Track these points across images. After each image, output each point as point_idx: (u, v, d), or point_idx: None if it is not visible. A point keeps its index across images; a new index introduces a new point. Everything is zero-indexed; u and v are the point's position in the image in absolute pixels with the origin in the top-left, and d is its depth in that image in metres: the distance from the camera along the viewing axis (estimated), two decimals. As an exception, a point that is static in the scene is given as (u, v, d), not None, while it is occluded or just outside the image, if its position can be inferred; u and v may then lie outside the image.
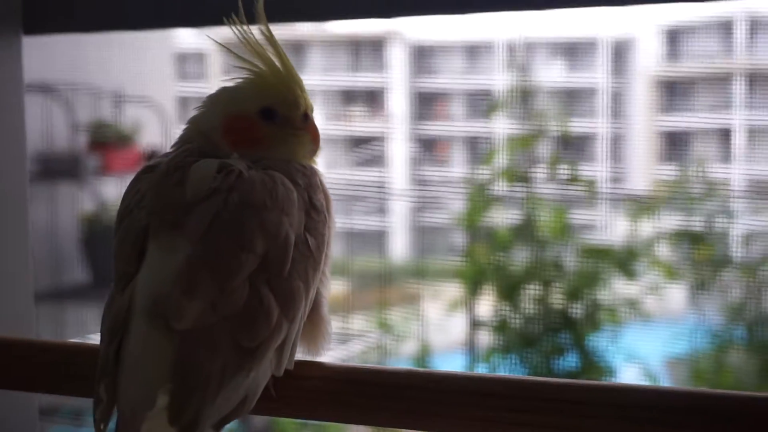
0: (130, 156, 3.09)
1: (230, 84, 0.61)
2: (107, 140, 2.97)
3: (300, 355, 0.55)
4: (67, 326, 2.92)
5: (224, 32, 0.60)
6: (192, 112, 0.63)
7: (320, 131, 0.61)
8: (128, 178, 2.39)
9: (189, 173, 0.54)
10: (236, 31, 0.58)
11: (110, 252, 0.56)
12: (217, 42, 0.61)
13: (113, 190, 3.25)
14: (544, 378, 0.52)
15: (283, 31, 0.65)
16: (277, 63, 0.58)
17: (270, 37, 0.58)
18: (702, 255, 2.76)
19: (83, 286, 2.93)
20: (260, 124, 0.58)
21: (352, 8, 0.64)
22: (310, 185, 0.56)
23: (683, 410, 0.48)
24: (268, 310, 0.50)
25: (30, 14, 0.63)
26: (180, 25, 0.70)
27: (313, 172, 0.58)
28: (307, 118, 0.60)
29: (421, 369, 0.54)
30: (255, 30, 0.58)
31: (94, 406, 0.53)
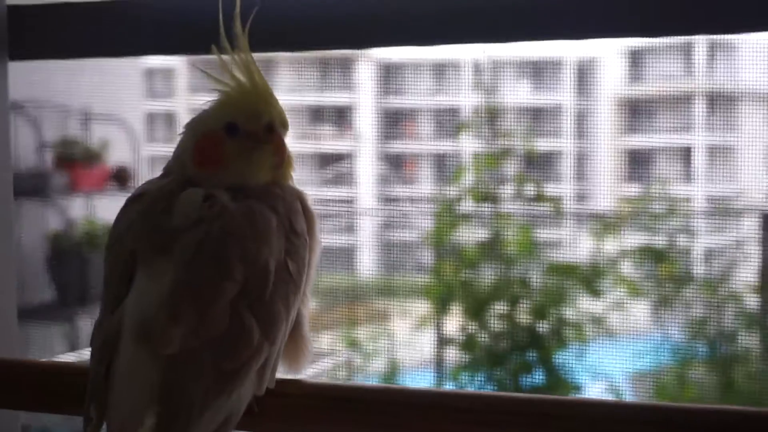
0: (97, 174, 3.07)
1: (202, 108, 0.63)
2: (74, 158, 2.95)
3: (282, 374, 0.56)
4: (33, 346, 2.88)
5: (200, 56, 0.61)
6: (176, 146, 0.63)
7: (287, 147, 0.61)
8: (96, 197, 2.38)
9: (176, 202, 0.56)
10: (214, 52, 0.59)
11: (101, 275, 0.58)
12: (196, 66, 0.63)
13: (80, 208, 3.22)
14: (511, 393, 0.54)
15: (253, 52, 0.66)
16: (244, 78, 0.59)
17: (241, 53, 0.59)
18: (665, 272, 2.81)
19: (49, 306, 2.89)
20: (224, 140, 0.59)
21: (325, 39, 0.67)
22: (290, 210, 0.58)
23: (646, 423, 0.50)
24: (249, 334, 0.53)
25: (15, 41, 0.65)
26: (155, 52, 0.72)
27: (294, 197, 0.59)
28: (271, 131, 0.59)
29: (393, 385, 0.57)
30: (226, 48, 0.58)
31: (85, 424, 0.54)
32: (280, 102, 0.60)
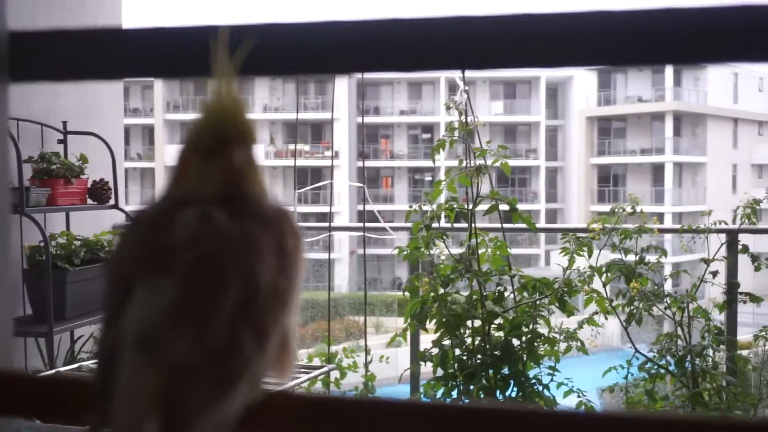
0: (76, 188, 3.07)
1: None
2: (53, 173, 2.94)
3: (268, 382, 0.61)
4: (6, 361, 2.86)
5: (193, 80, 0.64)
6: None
7: (258, 162, 0.61)
8: (74, 211, 2.38)
9: (173, 222, 0.59)
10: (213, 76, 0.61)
11: (101, 291, 0.61)
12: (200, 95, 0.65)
13: (59, 223, 3.22)
14: (494, 405, 0.59)
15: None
16: (212, 97, 0.61)
17: (217, 74, 0.61)
18: (635, 289, 2.86)
19: (25, 320, 2.88)
20: (190, 158, 0.61)
21: (303, 67, 0.70)
22: (280, 231, 0.61)
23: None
24: (243, 345, 0.57)
25: (17, 62, 0.68)
26: (151, 75, 0.75)
27: (284, 219, 0.62)
28: (224, 145, 0.60)
29: (375, 397, 0.61)
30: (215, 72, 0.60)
31: (90, 427, 0.58)
32: (256, 119, 0.62)
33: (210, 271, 0.57)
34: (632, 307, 2.88)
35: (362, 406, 0.59)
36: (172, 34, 0.69)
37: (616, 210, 3.01)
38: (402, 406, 0.58)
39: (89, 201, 3.17)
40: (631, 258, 2.95)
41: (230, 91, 0.62)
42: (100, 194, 3.18)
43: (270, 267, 0.59)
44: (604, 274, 2.90)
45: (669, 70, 25.99)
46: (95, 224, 3.35)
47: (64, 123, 3.27)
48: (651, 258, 2.97)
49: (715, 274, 2.97)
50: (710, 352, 2.85)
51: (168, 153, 25.64)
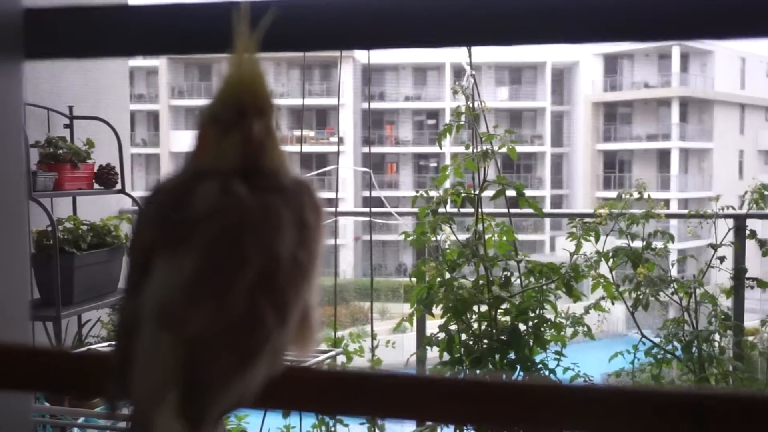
0: (82, 173, 3.07)
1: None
2: (60, 157, 2.94)
3: (289, 357, 0.61)
4: (17, 344, 2.88)
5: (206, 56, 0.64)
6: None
7: (278, 134, 0.61)
8: (81, 196, 2.39)
9: (194, 194, 0.59)
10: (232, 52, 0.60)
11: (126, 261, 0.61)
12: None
13: (65, 207, 3.22)
14: (494, 380, 0.59)
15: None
16: (231, 69, 0.61)
17: (236, 47, 0.60)
18: (642, 274, 2.86)
19: (33, 304, 2.89)
20: (210, 131, 0.61)
21: (310, 40, 0.69)
22: (301, 203, 0.61)
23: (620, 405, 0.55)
24: (264, 319, 0.56)
25: (32, 40, 0.68)
26: (158, 52, 0.74)
27: (304, 191, 0.62)
28: (243, 117, 0.60)
29: (390, 371, 0.61)
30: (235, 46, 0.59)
31: (109, 402, 0.58)
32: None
33: (230, 244, 0.57)
34: (639, 293, 2.87)
35: (378, 380, 0.59)
36: (178, 11, 0.69)
37: (623, 195, 3.01)
38: (417, 379, 0.58)
39: (96, 186, 3.17)
40: (637, 243, 2.94)
41: (250, 63, 0.61)
42: (107, 179, 3.18)
43: (290, 240, 0.59)
44: (611, 260, 2.90)
45: (675, 56, 25.86)
46: (102, 209, 3.36)
47: (70, 108, 3.27)
48: (658, 244, 2.96)
49: (722, 259, 2.96)
50: (717, 337, 2.85)
51: (173, 139, 25.65)
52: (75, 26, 0.69)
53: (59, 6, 0.70)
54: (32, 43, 0.67)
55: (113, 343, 0.59)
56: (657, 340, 2.93)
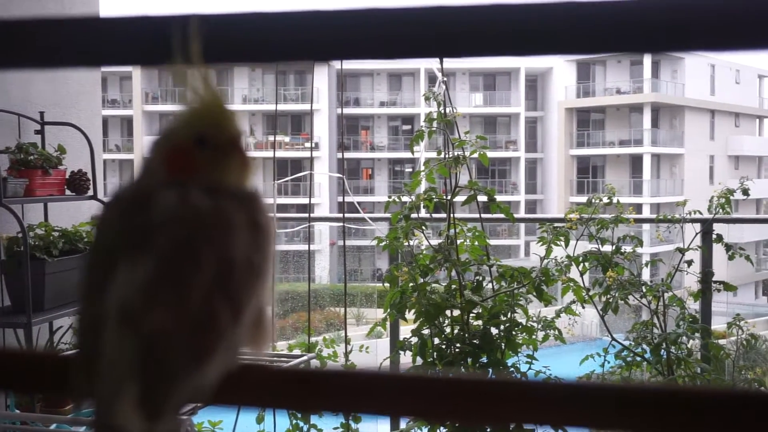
0: (54, 179, 3.04)
1: (169, 124, 0.68)
2: (31, 163, 2.92)
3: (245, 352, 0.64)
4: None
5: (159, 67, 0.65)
6: (145, 156, 0.69)
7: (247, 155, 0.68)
8: (52, 202, 2.37)
9: (154, 201, 0.62)
10: (172, 69, 0.63)
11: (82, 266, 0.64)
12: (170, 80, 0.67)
13: (36, 214, 3.20)
14: (461, 376, 0.61)
15: (209, 64, 0.71)
16: (203, 91, 0.65)
17: (199, 68, 0.64)
18: (611, 278, 2.90)
19: (3, 311, 2.86)
20: (195, 152, 0.65)
21: (281, 54, 0.71)
22: (254, 208, 0.65)
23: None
24: (219, 317, 0.60)
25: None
26: (113, 63, 0.76)
27: (255, 196, 0.66)
28: (236, 142, 0.66)
29: (347, 369, 0.63)
30: (187, 65, 0.62)
31: (74, 399, 0.60)
32: (238, 110, 0.66)
33: (187, 247, 0.60)
34: (609, 296, 2.91)
35: (335, 378, 0.61)
36: (150, 23, 0.70)
37: (593, 200, 3.05)
38: (374, 376, 0.60)
39: (67, 192, 3.15)
40: (607, 248, 2.98)
41: (216, 86, 0.65)
42: (79, 185, 3.16)
43: (244, 242, 0.62)
44: (581, 264, 2.94)
45: (647, 62, 26.18)
46: (73, 215, 3.33)
47: (41, 113, 3.24)
48: (627, 248, 3.01)
49: (690, 263, 3.01)
50: (685, 340, 2.90)
51: (146, 144, 25.42)
52: (38, 37, 0.70)
53: (22, 18, 0.71)
54: None
55: (76, 341, 0.62)
56: (627, 343, 2.97)
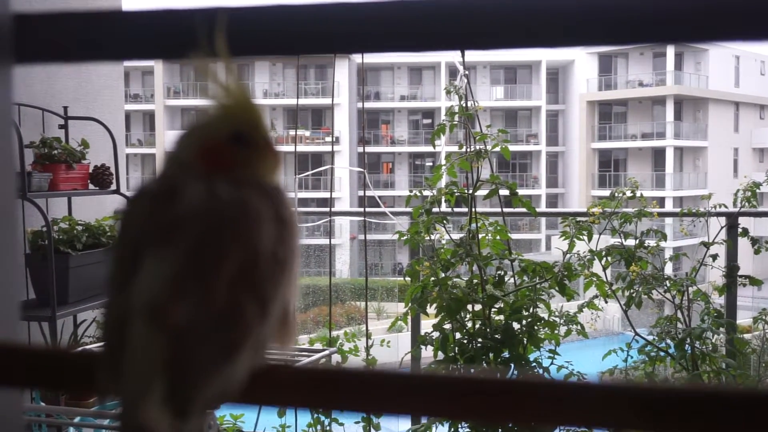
0: (77, 174, 3.07)
1: (198, 120, 0.68)
2: (55, 158, 2.94)
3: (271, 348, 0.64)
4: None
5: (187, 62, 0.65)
6: (169, 151, 0.68)
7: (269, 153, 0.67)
8: (75, 196, 2.39)
9: (179, 195, 0.62)
10: (197, 63, 0.63)
11: (108, 260, 0.64)
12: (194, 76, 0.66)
13: (60, 208, 3.23)
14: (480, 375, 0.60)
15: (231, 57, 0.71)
16: (236, 90, 0.65)
17: (227, 66, 0.64)
18: (635, 272, 2.87)
19: (28, 305, 2.89)
20: (231, 148, 0.65)
21: (302, 46, 0.70)
22: (279, 201, 0.64)
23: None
24: (246, 312, 0.59)
25: (22, 45, 0.69)
26: (135, 57, 0.76)
27: (281, 190, 0.66)
28: (267, 139, 0.66)
29: (375, 369, 0.62)
30: (213, 59, 0.62)
31: (99, 391, 0.60)
32: (260, 102, 0.67)
33: (213, 240, 0.60)
34: (632, 291, 2.89)
35: (363, 377, 0.61)
36: (172, 16, 0.70)
37: (616, 194, 3.02)
38: (401, 377, 0.59)
39: (91, 186, 3.18)
40: (630, 242, 2.95)
41: (240, 82, 0.65)
42: (102, 179, 3.18)
43: (270, 235, 0.62)
44: (604, 258, 2.91)
45: (670, 54, 25.90)
46: (97, 209, 3.36)
47: (65, 108, 3.27)
48: (651, 242, 2.98)
49: (715, 257, 2.98)
50: (710, 335, 2.87)
51: (169, 138, 25.61)
52: (64, 31, 0.70)
53: (48, 11, 0.71)
54: (22, 48, 0.69)
55: (102, 337, 0.61)
56: (650, 338, 2.94)
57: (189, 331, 0.57)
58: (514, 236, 2.87)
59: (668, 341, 2.88)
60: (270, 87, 26.30)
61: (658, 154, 26.18)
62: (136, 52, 0.72)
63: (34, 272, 2.84)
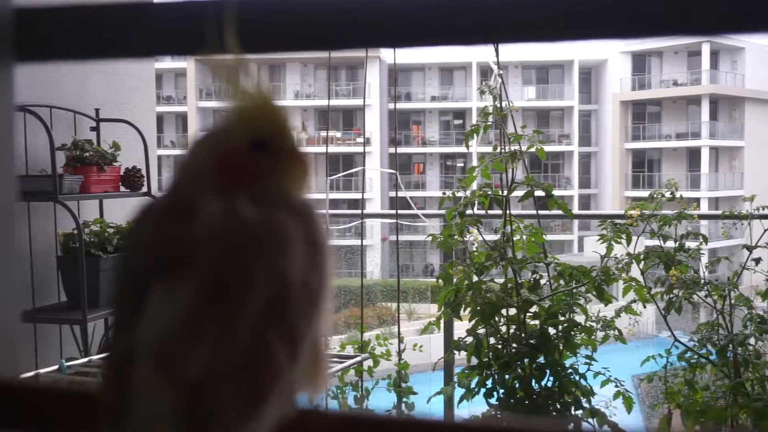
0: (109, 176, 3.07)
1: (214, 126, 0.60)
2: (86, 160, 2.95)
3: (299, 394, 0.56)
4: (44, 348, 2.89)
5: (205, 60, 0.60)
6: (180, 160, 0.59)
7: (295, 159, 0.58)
8: (107, 199, 2.37)
9: (194, 215, 0.53)
10: (214, 64, 0.57)
11: (110, 294, 0.57)
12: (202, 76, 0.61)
13: (92, 210, 3.23)
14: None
15: (259, 53, 0.66)
16: (259, 93, 0.57)
17: (247, 68, 0.57)
18: (675, 276, 2.79)
19: (59, 307, 2.90)
20: (253, 157, 0.56)
21: (335, 39, 0.66)
22: (309, 221, 0.56)
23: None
24: (273, 355, 0.51)
25: (23, 42, 0.65)
26: (160, 53, 0.71)
27: (311, 208, 0.57)
28: (295, 147, 0.58)
29: (408, 416, 0.57)
30: (231, 61, 0.56)
31: None
32: (289, 105, 0.60)
33: (234, 270, 0.51)
34: (672, 295, 2.81)
35: (395, 425, 0.55)
36: (187, 8, 0.66)
37: (655, 196, 2.94)
38: (434, 424, 0.54)
39: (122, 188, 3.18)
40: (669, 245, 2.87)
41: (260, 85, 0.58)
42: (133, 182, 3.18)
43: (300, 262, 0.53)
44: (643, 262, 2.83)
45: (705, 53, 25.50)
46: (128, 212, 3.36)
47: (97, 110, 3.28)
48: (691, 245, 2.89)
49: (758, 261, 2.89)
50: (752, 341, 2.78)
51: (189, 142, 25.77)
52: (72, 26, 0.66)
53: (54, 5, 0.66)
54: (24, 45, 0.64)
55: (103, 384, 0.53)
56: (690, 343, 2.86)
57: (204, 382, 0.48)
58: (547, 237, 2.81)
59: (709, 347, 2.79)
60: (301, 88, 26.38)
61: (693, 155, 25.78)
62: (152, 49, 0.68)
63: (65, 275, 2.85)
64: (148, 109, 3.74)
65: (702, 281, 2.80)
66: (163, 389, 0.49)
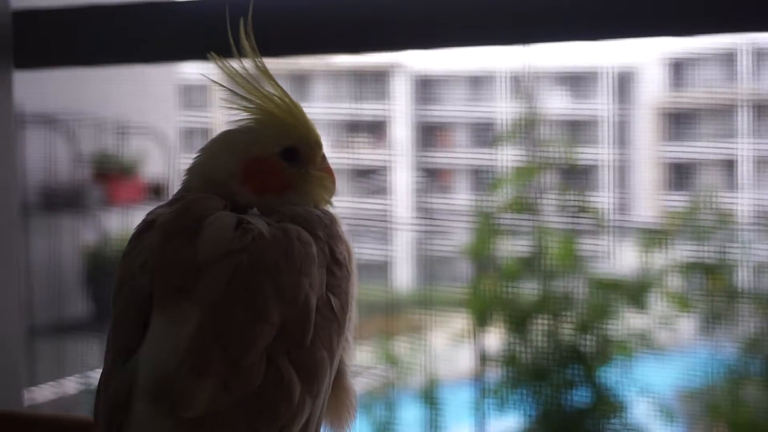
0: (133, 187, 3.08)
1: (237, 127, 0.55)
2: (110, 171, 2.96)
3: None
4: (68, 361, 2.88)
5: (227, 66, 0.56)
6: (193, 160, 0.56)
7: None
8: (132, 210, 2.34)
9: (202, 230, 0.48)
10: (240, 70, 0.54)
11: (110, 318, 0.50)
12: (219, 81, 0.56)
13: (116, 221, 3.23)
14: None
15: (285, 62, 0.63)
16: (287, 102, 0.54)
17: (270, 76, 0.54)
18: (714, 285, 2.72)
19: (85, 320, 2.90)
20: (283, 166, 0.54)
21: (360, 42, 0.63)
22: (331, 236, 0.50)
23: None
24: (289, 388, 0.45)
25: (21, 49, 0.60)
26: (179, 59, 0.67)
27: (334, 221, 0.52)
28: (324, 158, 0.56)
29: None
30: (255, 68, 0.54)
31: None
32: (316, 114, 0.56)
33: (244, 291, 0.46)
34: (712, 305, 2.74)
35: None
36: (196, 9, 0.62)
37: (690, 203, 2.90)
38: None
39: (147, 199, 3.18)
40: (709, 253, 2.81)
41: (287, 93, 0.54)
42: (158, 192, 3.18)
43: (320, 282, 0.48)
44: (680, 270, 2.77)
45: (743, 59, 25.23)
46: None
47: (121, 120, 3.29)
48: (731, 253, 2.82)
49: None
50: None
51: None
52: (74, 30, 0.61)
53: (55, 7, 0.61)
54: (23, 50, 0.59)
55: (97, 419, 0.47)
56: (732, 356, 2.78)
57: (211, 420, 0.43)
58: (582, 247, 2.77)
59: (753, 359, 2.70)
60: (327, 97, 26.61)
61: (731, 162, 25.53)
62: (166, 54, 0.64)
63: (89, 287, 2.86)
64: (172, 118, 3.75)
65: (743, 291, 2.73)
66: (162, 428, 0.44)
